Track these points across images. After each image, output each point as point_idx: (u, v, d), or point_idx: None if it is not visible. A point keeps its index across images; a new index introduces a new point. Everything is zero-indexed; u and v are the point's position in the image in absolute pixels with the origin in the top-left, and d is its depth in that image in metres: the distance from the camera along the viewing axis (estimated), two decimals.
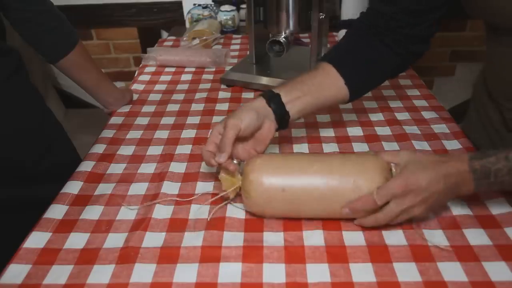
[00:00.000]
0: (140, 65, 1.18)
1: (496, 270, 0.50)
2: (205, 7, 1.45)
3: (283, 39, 0.92)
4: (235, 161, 0.61)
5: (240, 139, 0.61)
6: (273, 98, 0.63)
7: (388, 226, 0.55)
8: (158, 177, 0.69)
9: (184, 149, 0.76)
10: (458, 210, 0.59)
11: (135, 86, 1.04)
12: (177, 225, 0.59)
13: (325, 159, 0.58)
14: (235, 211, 0.61)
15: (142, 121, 0.87)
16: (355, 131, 0.80)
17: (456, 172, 0.52)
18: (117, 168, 0.72)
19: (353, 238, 0.55)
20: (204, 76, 1.08)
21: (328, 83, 0.67)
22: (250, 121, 0.60)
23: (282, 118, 0.64)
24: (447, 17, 0.67)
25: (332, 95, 0.68)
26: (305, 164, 0.57)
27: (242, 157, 0.62)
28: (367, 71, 0.70)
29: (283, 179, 0.55)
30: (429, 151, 0.73)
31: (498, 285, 0.48)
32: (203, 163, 0.72)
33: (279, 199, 0.56)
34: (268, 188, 0.55)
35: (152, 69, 1.14)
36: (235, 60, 1.17)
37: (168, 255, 0.54)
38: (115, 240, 0.57)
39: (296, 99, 0.64)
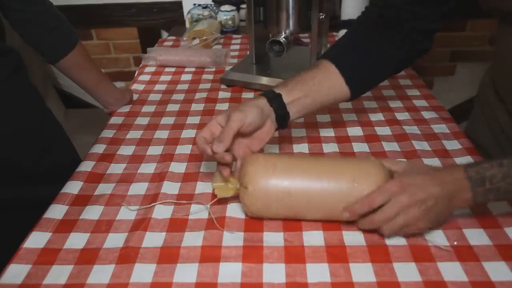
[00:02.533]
0: (140, 65, 1.18)
1: (496, 270, 0.50)
2: (205, 7, 1.45)
3: (283, 39, 0.92)
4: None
5: (239, 134, 0.60)
6: (274, 98, 0.63)
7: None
8: (158, 177, 0.69)
9: (184, 149, 0.76)
10: (458, 210, 0.59)
11: (135, 86, 1.04)
12: (177, 225, 0.59)
13: (325, 162, 0.58)
14: (235, 211, 0.61)
15: (142, 121, 0.87)
16: (355, 131, 0.80)
17: (452, 179, 0.52)
18: (117, 168, 0.72)
19: (353, 238, 0.55)
20: (204, 76, 1.08)
21: (329, 82, 0.66)
22: (255, 118, 0.59)
23: (283, 118, 0.64)
24: (455, 16, 0.66)
25: (332, 94, 0.67)
26: (305, 167, 0.56)
27: (236, 153, 0.62)
28: (368, 68, 0.69)
29: (283, 183, 0.55)
30: (429, 151, 0.73)
31: (498, 285, 0.48)
32: (203, 163, 0.72)
33: (278, 202, 0.55)
34: (267, 191, 0.55)
35: (152, 69, 1.14)
36: (235, 60, 1.17)
37: (168, 255, 0.54)
38: (115, 240, 0.57)
39: (296, 100, 0.64)
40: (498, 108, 0.72)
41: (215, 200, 0.60)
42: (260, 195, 0.55)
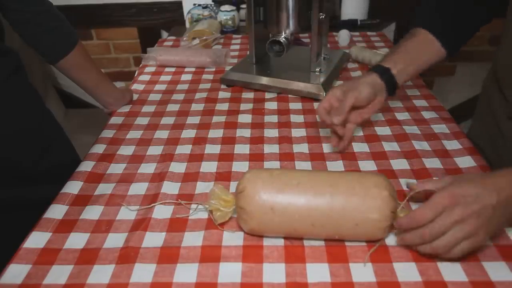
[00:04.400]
0: (140, 65, 1.18)
1: (496, 270, 0.50)
2: (205, 7, 1.45)
3: (283, 39, 0.92)
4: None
5: (352, 107, 0.70)
6: (385, 73, 0.72)
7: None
8: (158, 177, 0.69)
9: (184, 149, 0.76)
10: None
11: (135, 86, 1.04)
12: (177, 225, 0.59)
13: (327, 181, 0.53)
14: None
15: (142, 121, 0.87)
16: (355, 131, 0.80)
17: (508, 183, 0.48)
18: (117, 168, 0.72)
19: None
20: (204, 76, 1.08)
21: (427, 49, 0.75)
22: (368, 95, 0.70)
23: (392, 88, 0.73)
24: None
25: (431, 58, 0.76)
26: (304, 188, 0.52)
27: (352, 120, 0.73)
28: (458, 26, 0.76)
29: (281, 204, 0.52)
30: (429, 151, 0.73)
31: (498, 285, 0.48)
32: (203, 163, 0.72)
33: (275, 223, 0.53)
34: (263, 214, 0.52)
35: (152, 69, 1.14)
36: (235, 60, 1.17)
37: (168, 255, 0.54)
38: (115, 240, 0.57)
39: (402, 69, 0.73)
40: (500, 107, 0.72)
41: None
42: (257, 216, 0.53)
